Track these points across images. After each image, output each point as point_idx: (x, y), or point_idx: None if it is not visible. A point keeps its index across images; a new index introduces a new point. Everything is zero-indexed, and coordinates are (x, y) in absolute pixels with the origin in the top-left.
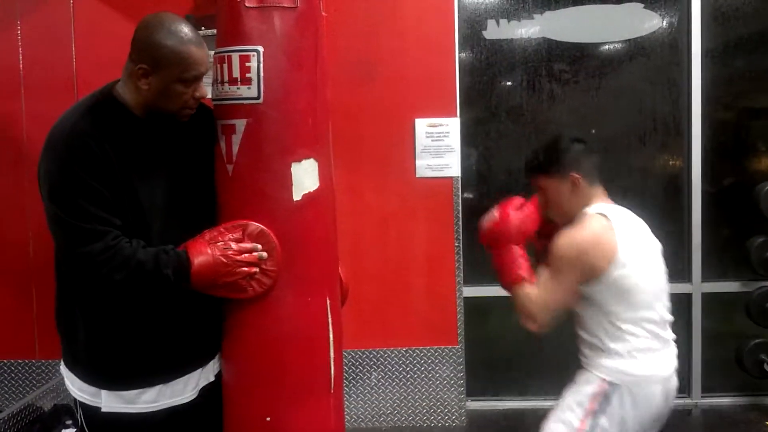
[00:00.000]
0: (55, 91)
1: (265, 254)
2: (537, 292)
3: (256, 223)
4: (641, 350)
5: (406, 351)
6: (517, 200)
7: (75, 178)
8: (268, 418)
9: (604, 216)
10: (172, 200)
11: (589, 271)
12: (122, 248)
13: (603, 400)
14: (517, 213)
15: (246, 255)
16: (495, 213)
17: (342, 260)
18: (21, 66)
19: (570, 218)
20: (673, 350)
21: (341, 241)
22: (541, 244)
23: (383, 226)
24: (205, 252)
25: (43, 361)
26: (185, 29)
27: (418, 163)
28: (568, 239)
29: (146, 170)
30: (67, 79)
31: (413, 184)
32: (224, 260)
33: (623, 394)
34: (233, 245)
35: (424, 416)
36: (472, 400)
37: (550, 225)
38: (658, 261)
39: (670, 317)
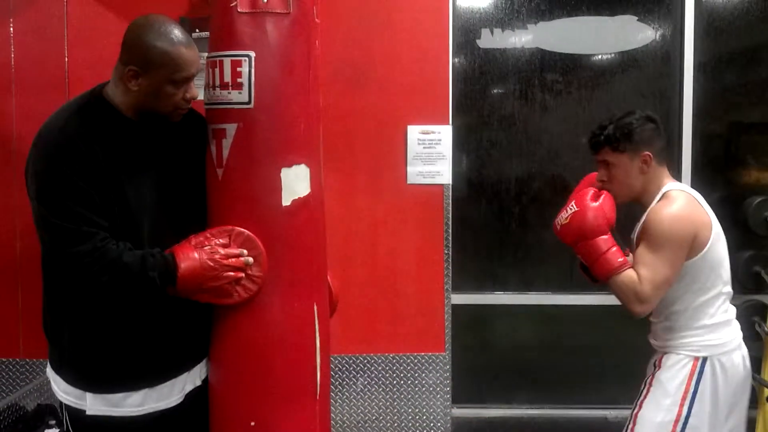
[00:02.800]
0: (46, 89)
1: (251, 260)
2: (643, 272)
3: (243, 229)
4: (723, 321)
5: (393, 357)
6: (590, 190)
7: (63, 178)
8: (252, 423)
9: (684, 191)
10: (162, 202)
11: (694, 244)
12: (109, 250)
13: (697, 377)
14: (597, 202)
15: (233, 260)
16: (574, 206)
17: (331, 265)
18: (12, 63)
19: (633, 197)
20: (738, 323)
21: (331, 247)
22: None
23: (373, 232)
24: (192, 256)
25: (27, 360)
26: (175, 31)
27: (410, 169)
28: (670, 215)
29: (135, 172)
30: (59, 77)
31: (404, 190)
32: (211, 264)
33: (714, 365)
34: (220, 250)
35: (409, 423)
36: (457, 408)
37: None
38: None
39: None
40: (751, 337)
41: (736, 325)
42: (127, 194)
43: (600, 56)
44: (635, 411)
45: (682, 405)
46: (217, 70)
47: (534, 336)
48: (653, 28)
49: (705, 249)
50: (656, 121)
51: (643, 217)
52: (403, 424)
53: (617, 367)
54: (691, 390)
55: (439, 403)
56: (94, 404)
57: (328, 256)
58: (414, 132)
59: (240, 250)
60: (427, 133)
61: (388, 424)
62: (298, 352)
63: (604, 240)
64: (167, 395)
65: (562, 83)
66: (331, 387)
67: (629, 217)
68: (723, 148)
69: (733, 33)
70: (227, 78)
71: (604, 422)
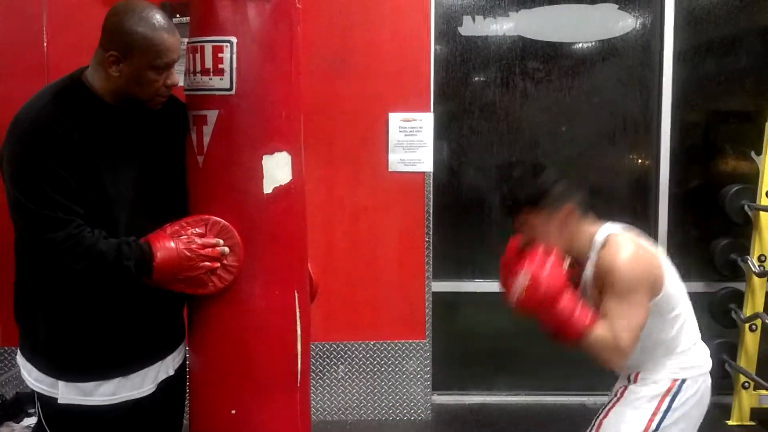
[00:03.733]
0: (25, 73)
1: (227, 249)
2: (617, 324)
3: (219, 218)
4: (695, 344)
5: (373, 344)
6: (534, 256)
7: (40, 163)
8: (233, 411)
9: (623, 234)
10: (141, 190)
11: (656, 283)
12: (84, 237)
13: (673, 395)
14: (544, 263)
15: (209, 250)
16: (524, 276)
17: (312, 253)
18: None
19: (563, 251)
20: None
21: (311, 234)
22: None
23: (354, 220)
24: (168, 245)
25: (5, 348)
26: (157, 16)
27: (391, 157)
28: (627, 260)
29: (114, 159)
30: (38, 61)
31: (385, 178)
32: (188, 254)
33: (689, 388)
34: (197, 239)
35: (390, 410)
36: (438, 394)
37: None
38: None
39: None
40: (728, 324)
41: (705, 348)
42: (105, 181)
43: (581, 44)
44: (600, 417)
45: (651, 420)
46: (198, 56)
47: (514, 324)
48: (633, 16)
49: (664, 288)
50: (566, 180)
51: (588, 267)
52: (383, 411)
53: None
54: (664, 407)
55: (419, 390)
56: (66, 393)
57: (309, 244)
58: (395, 119)
59: (216, 239)
60: (409, 120)
61: (369, 411)
62: (279, 340)
63: (568, 303)
64: (140, 384)
65: (543, 71)
66: (312, 374)
67: None
68: (701, 136)
69: (713, 22)
70: (208, 64)
71: (582, 408)
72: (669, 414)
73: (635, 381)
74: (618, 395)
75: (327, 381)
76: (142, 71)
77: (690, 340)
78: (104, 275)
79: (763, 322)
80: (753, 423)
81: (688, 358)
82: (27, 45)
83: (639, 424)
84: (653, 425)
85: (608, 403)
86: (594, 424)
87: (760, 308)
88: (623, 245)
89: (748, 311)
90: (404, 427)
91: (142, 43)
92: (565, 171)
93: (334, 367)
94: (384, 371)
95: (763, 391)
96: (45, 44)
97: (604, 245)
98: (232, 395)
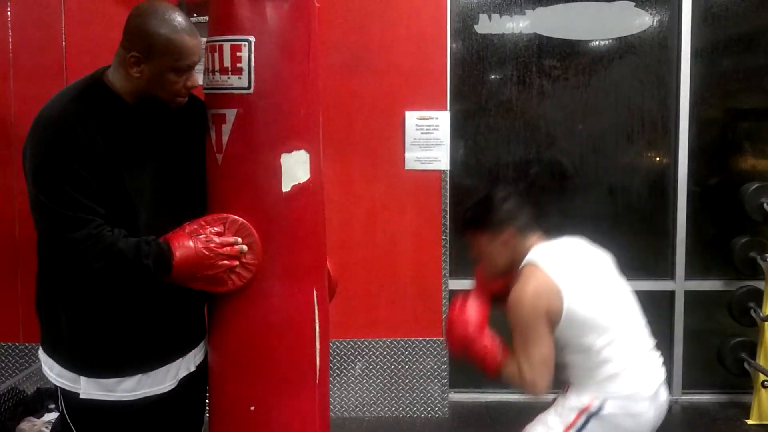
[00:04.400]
0: (44, 72)
1: (245, 247)
2: (520, 360)
3: (237, 217)
4: (622, 371)
5: (391, 342)
6: (457, 301)
7: (61, 163)
8: (252, 407)
9: (534, 264)
10: (160, 190)
11: (550, 316)
12: (104, 236)
13: (588, 415)
14: (460, 316)
15: (227, 248)
16: (445, 326)
17: (329, 251)
18: (10, 47)
19: (505, 270)
20: (656, 362)
21: (329, 232)
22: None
23: (371, 218)
24: (187, 244)
25: (26, 344)
26: (179, 18)
27: (408, 155)
28: (517, 301)
29: (135, 159)
30: (57, 61)
31: (402, 176)
32: (207, 253)
33: (614, 409)
34: (215, 238)
35: (407, 407)
36: (454, 392)
37: (501, 286)
38: (610, 278)
39: (643, 328)
40: (747, 322)
41: (648, 371)
42: (125, 181)
43: (597, 42)
44: (529, 423)
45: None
46: (216, 55)
47: None
48: (650, 14)
49: (562, 318)
50: (515, 196)
51: None
52: (400, 408)
53: None
54: (579, 423)
55: (436, 387)
56: (87, 388)
57: (327, 242)
58: (412, 118)
59: (235, 238)
60: (425, 119)
61: (386, 408)
62: (298, 337)
63: (480, 345)
64: (161, 381)
65: (559, 69)
66: (330, 371)
67: None
68: (720, 134)
69: (731, 19)
70: (227, 63)
71: None
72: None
73: (565, 392)
74: (551, 404)
75: (345, 378)
76: (164, 73)
77: (618, 365)
78: (123, 273)
79: None
80: None
81: (611, 385)
82: (45, 45)
83: (555, 430)
84: None
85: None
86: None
87: None
88: (522, 280)
89: (767, 309)
90: (421, 425)
91: (163, 45)
92: (581, 169)
93: (351, 364)
94: (401, 369)
95: None
96: (63, 44)
97: (518, 276)
98: (252, 391)
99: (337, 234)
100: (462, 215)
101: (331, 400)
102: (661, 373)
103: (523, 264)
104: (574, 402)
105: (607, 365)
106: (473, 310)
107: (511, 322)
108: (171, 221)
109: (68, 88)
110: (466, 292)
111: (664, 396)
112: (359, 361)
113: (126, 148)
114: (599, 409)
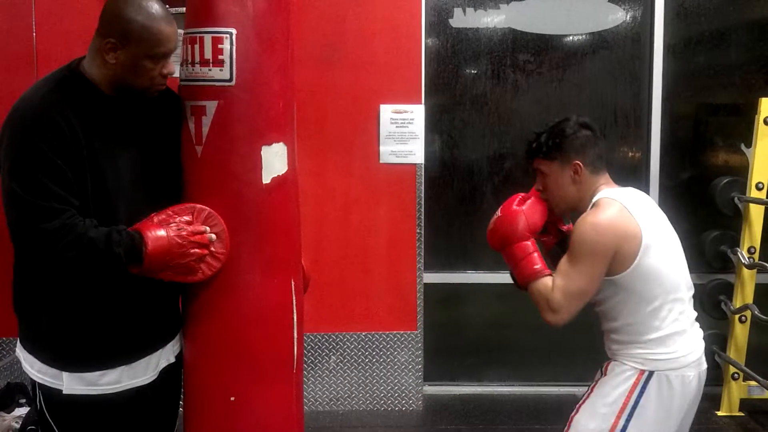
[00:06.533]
0: (14, 62)
1: (214, 236)
2: (558, 281)
3: (204, 206)
4: (674, 333)
5: (365, 335)
6: (519, 196)
7: (38, 154)
8: (232, 398)
9: (614, 199)
10: (139, 179)
11: (618, 258)
12: (76, 225)
13: (639, 391)
14: (520, 208)
15: (198, 236)
16: (498, 212)
17: (304, 244)
18: None
19: (569, 206)
20: (699, 331)
21: (303, 226)
22: (549, 238)
23: (346, 211)
24: (159, 233)
25: None
26: (155, 5)
27: (382, 149)
28: (591, 225)
29: (112, 148)
30: (27, 50)
31: (377, 170)
32: (179, 240)
33: (662, 381)
34: (186, 227)
35: (381, 400)
36: (429, 385)
37: (556, 217)
38: (675, 239)
39: (691, 296)
40: (718, 315)
41: (693, 337)
42: (103, 170)
43: (571, 37)
44: (573, 414)
45: (619, 416)
46: (197, 47)
47: (505, 315)
48: (623, 9)
49: (633, 263)
50: (592, 127)
51: None
52: (375, 401)
53: (587, 345)
54: (631, 403)
55: (411, 380)
56: (70, 383)
57: (301, 235)
58: (386, 111)
59: (204, 227)
60: (400, 112)
61: (361, 402)
62: (277, 326)
63: (524, 246)
64: (143, 372)
65: (533, 63)
66: (304, 365)
67: None
68: (691, 129)
69: (703, 15)
70: (208, 55)
71: (573, 399)
72: (638, 411)
73: (605, 374)
74: (590, 390)
75: (319, 372)
76: (139, 60)
77: (665, 329)
78: (95, 263)
79: (753, 314)
80: (742, 414)
81: (660, 348)
82: (16, 35)
83: (606, 423)
84: (621, 422)
85: (582, 397)
86: (568, 420)
87: (749, 300)
88: (601, 210)
89: (737, 303)
90: (395, 418)
91: (140, 32)
92: None
93: (325, 357)
94: (375, 362)
95: (752, 382)
96: (34, 34)
97: (591, 207)
98: (232, 382)
99: (312, 227)
100: (529, 143)
101: (305, 393)
102: (702, 340)
103: (599, 197)
104: (617, 387)
105: (660, 325)
106: (533, 210)
107: (570, 245)
108: (150, 210)
109: (45, 79)
110: (522, 195)
111: (704, 366)
112: (333, 354)
113: (104, 137)
114: (647, 381)
